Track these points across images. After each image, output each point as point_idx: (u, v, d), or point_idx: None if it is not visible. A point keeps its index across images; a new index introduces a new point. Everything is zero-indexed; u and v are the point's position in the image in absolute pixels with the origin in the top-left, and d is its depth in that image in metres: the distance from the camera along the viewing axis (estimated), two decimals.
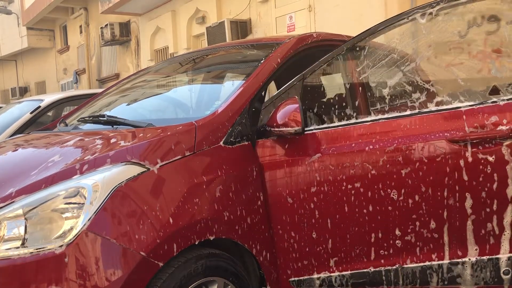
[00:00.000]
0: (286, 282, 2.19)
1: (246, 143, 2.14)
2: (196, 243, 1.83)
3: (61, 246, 1.59)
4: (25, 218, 1.62)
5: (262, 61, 2.46)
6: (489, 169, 2.02)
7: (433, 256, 2.08)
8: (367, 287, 2.12)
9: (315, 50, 2.79)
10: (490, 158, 2.01)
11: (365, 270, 2.11)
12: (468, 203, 2.03)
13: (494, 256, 2.07)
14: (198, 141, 1.98)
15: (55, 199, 1.66)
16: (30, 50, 17.47)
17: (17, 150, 2.27)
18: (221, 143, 2.05)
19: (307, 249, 2.12)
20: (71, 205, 1.66)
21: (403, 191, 2.04)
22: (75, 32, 15.26)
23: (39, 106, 4.28)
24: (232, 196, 1.99)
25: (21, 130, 4.04)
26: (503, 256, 2.05)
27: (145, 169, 1.79)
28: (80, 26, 14.59)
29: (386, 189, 2.05)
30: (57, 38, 16.82)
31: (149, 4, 10.99)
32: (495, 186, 2.02)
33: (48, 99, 4.44)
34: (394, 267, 2.10)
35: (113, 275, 1.60)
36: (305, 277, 2.14)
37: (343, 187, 2.07)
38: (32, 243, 1.60)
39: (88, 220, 1.63)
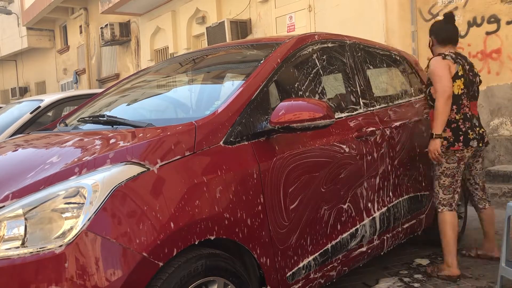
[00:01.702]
0: (284, 280, 2.21)
1: (246, 143, 2.14)
2: (196, 243, 1.83)
3: (61, 246, 1.59)
4: (25, 218, 1.62)
5: (262, 61, 2.46)
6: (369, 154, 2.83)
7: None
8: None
9: (315, 50, 2.79)
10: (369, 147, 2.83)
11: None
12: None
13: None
14: (198, 141, 1.98)
15: (55, 199, 1.66)
16: (30, 50, 17.47)
17: (17, 150, 2.26)
18: (221, 143, 2.05)
19: (298, 244, 2.30)
20: (71, 205, 1.66)
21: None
22: (75, 32, 15.26)
23: (39, 106, 4.28)
24: (232, 196, 1.99)
25: (21, 130, 4.03)
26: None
27: (145, 169, 1.79)
28: (80, 26, 14.60)
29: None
30: (57, 38, 16.82)
31: (149, 4, 10.99)
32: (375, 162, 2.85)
33: (48, 99, 4.44)
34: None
35: (113, 275, 1.60)
36: (295, 269, 2.29)
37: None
38: (32, 243, 1.60)
39: (88, 220, 1.62)
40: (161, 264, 1.71)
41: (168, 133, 1.97)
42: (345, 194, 2.61)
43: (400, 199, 3.11)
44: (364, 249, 2.77)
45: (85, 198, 1.66)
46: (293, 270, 2.27)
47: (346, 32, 3.68)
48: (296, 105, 2.17)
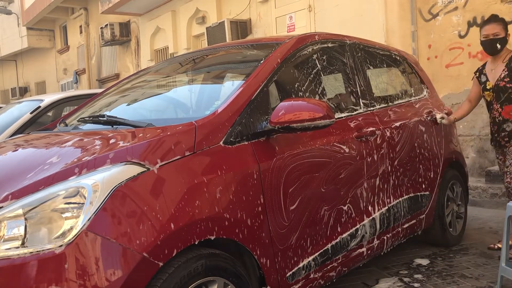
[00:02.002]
0: (284, 280, 2.22)
1: (246, 143, 2.14)
2: (196, 243, 1.83)
3: (61, 246, 1.59)
4: (25, 218, 1.62)
5: (262, 61, 2.46)
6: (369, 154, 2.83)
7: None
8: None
9: (315, 50, 2.79)
10: (369, 147, 2.84)
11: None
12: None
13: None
14: (198, 141, 1.98)
15: (55, 199, 1.66)
16: (30, 50, 17.47)
17: (17, 150, 2.26)
18: (221, 143, 2.05)
19: (297, 244, 2.30)
20: (71, 205, 1.66)
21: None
22: (75, 32, 15.26)
23: (39, 106, 4.28)
24: (232, 196, 1.99)
25: (21, 130, 4.03)
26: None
27: (145, 169, 1.79)
28: (80, 26, 14.59)
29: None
30: (57, 38, 16.82)
31: (149, 4, 10.99)
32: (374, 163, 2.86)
33: (48, 99, 4.44)
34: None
35: (113, 275, 1.60)
36: (295, 269, 2.29)
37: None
38: (32, 243, 1.60)
39: (88, 220, 1.63)
40: (161, 264, 1.71)
41: (168, 133, 1.97)
42: (345, 194, 2.61)
43: (400, 199, 3.11)
44: (364, 249, 2.77)
45: (85, 198, 1.66)
46: (293, 270, 2.27)
47: (346, 32, 3.68)
48: (296, 105, 2.17)
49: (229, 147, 2.07)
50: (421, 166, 3.36)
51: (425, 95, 3.80)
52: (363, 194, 2.75)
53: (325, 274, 2.48)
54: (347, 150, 2.64)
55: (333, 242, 2.52)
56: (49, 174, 1.76)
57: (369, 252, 2.82)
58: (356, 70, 3.04)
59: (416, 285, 2.99)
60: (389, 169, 2.99)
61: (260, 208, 2.10)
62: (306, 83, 2.61)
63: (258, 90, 2.28)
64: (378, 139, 2.92)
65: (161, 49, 11.43)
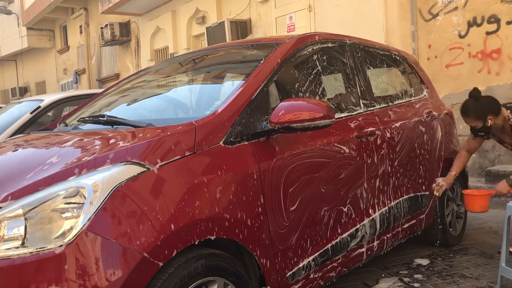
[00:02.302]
0: (284, 280, 2.22)
1: (246, 143, 2.14)
2: (196, 243, 1.83)
3: (61, 246, 1.59)
4: (25, 218, 1.62)
5: (262, 61, 2.46)
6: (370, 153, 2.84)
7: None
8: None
9: (315, 50, 2.79)
10: (370, 147, 2.84)
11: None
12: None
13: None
14: (198, 141, 1.98)
15: (55, 199, 1.66)
16: (30, 50, 17.48)
17: (17, 150, 2.26)
18: (221, 143, 2.05)
19: (297, 244, 2.30)
20: (71, 205, 1.66)
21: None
22: (75, 32, 15.27)
23: (39, 106, 4.28)
24: (232, 196, 1.99)
25: (21, 130, 4.03)
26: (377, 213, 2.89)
27: (145, 169, 1.79)
28: (80, 26, 14.60)
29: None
30: (57, 38, 16.82)
31: (149, 4, 10.99)
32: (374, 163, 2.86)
33: (48, 99, 4.44)
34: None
35: (113, 275, 1.60)
36: (295, 269, 2.29)
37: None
38: (32, 243, 1.60)
39: (88, 220, 1.62)
40: (161, 264, 1.71)
41: (168, 133, 1.97)
42: (345, 194, 2.61)
43: (400, 199, 3.11)
44: (364, 249, 2.77)
45: (85, 198, 1.66)
46: (293, 271, 2.27)
47: (346, 32, 3.68)
48: (296, 105, 2.17)
49: (229, 147, 2.07)
50: (421, 166, 3.36)
51: (425, 95, 3.80)
52: (363, 194, 2.75)
53: (325, 274, 2.48)
54: (347, 150, 2.64)
55: (333, 242, 2.52)
56: (49, 174, 1.76)
57: (369, 252, 2.82)
58: (356, 70, 3.04)
59: (416, 285, 2.99)
60: (389, 169, 2.99)
61: (260, 209, 2.10)
62: (306, 83, 2.61)
63: (258, 90, 2.28)
64: (378, 139, 2.92)
65: (161, 49, 11.44)
